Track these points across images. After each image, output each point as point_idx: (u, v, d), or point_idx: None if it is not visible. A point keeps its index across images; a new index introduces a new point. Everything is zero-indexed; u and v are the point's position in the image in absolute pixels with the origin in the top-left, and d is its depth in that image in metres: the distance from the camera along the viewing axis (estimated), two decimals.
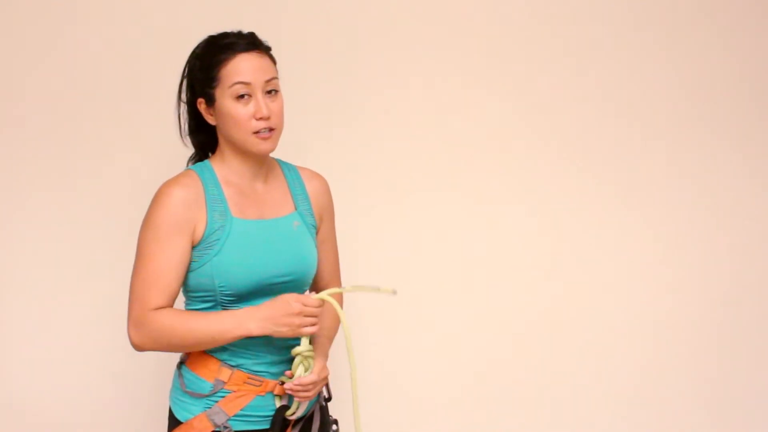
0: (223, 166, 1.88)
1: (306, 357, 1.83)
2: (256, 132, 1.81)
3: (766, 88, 2.86)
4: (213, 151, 1.94)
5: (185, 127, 1.96)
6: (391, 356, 2.67)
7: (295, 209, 1.94)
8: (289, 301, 1.76)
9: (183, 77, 1.92)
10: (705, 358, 2.84)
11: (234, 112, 1.81)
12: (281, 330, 1.76)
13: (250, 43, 1.84)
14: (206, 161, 1.91)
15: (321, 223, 2.01)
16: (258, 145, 1.82)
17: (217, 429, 1.79)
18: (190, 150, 2.01)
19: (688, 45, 2.81)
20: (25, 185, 2.46)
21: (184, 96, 1.93)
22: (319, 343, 1.91)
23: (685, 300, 2.83)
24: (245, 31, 1.88)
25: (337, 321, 1.97)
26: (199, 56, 1.87)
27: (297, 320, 1.75)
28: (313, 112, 2.54)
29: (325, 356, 1.92)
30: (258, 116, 1.80)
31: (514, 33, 2.72)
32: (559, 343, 2.76)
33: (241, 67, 1.81)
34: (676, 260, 2.82)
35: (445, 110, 2.69)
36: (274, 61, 1.88)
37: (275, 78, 1.85)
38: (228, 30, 1.88)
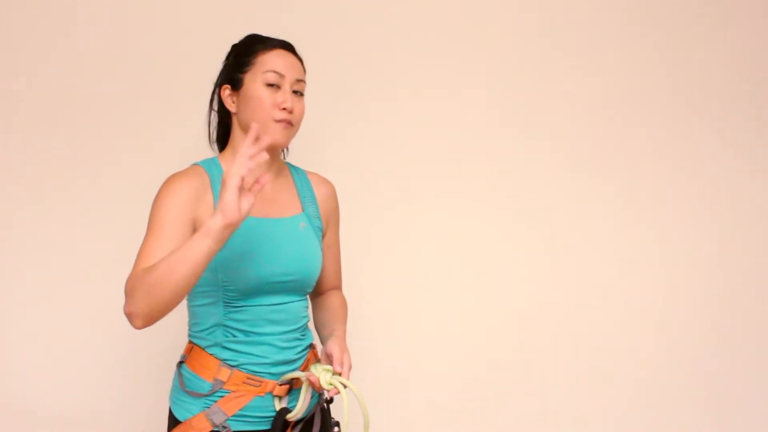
0: (230, 163, 1.86)
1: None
2: (278, 121, 1.83)
3: (765, 90, 2.85)
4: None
5: (214, 134, 1.99)
6: (393, 356, 2.66)
7: (303, 211, 1.94)
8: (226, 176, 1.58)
9: (216, 85, 1.95)
10: (704, 357, 2.83)
11: (261, 95, 1.83)
12: (231, 194, 1.57)
13: (289, 46, 1.90)
14: (214, 157, 1.91)
15: (327, 228, 2.02)
16: (277, 131, 1.83)
17: (216, 429, 1.78)
18: (201, 152, 2.02)
19: (686, 46, 2.81)
20: (26, 186, 2.45)
21: (215, 105, 1.97)
22: (331, 332, 1.90)
23: (683, 300, 2.82)
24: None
25: (344, 305, 2.03)
26: (237, 46, 1.93)
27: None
28: (318, 115, 2.54)
29: (340, 337, 1.89)
30: (282, 106, 1.83)
31: (519, 38, 2.73)
32: (560, 344, 2.75)
33: (277, 60, 1.86)
34: (675, 260, 2.81)
35: (448, 116, 2.69)
36: (304, 71, 1.92)
37: (304, 81, 1.89)
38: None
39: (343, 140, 2.61)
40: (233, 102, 1.89)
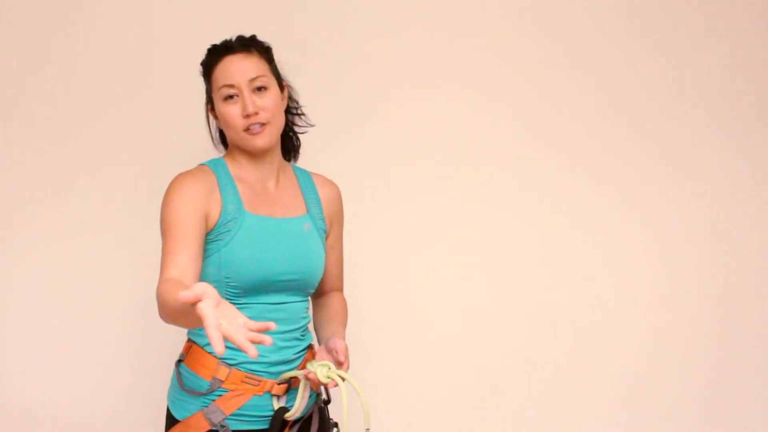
0: (235, 164, 1.91)
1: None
2: (246, 129, 1.84)
3: (765, 90, 2.84)
4: None
5: (216, 135, 2.01)
6: (393, 356, 2.66)
7: (307, 212, 1.95)
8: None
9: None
10: (704, 357, 2.82)
11: (224, 113, 1.85)
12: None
13: (239, 45, 1.87)
14: (220, 158, 1.93)
15: (331, 229, 2.02)
16: (250, 141, 1.85)
17: (214, 428, 1.78)
18: (201, 152, 2.02)
19: (686, 46, 2.80)
20: (26, 186, 2.45)
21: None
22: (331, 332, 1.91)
23: (683, 300, 2.81)
24: (248, 35, 1.91)
25: (344, 307, 2.02)
26: (202, 64, 1.93)
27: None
28: (318, 115, 2.54)
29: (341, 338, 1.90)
30: (245, 114, 1.83)
31: (519, 38, 2.72)
32: (560, 344, 2.74)
33: (226, 70, 1.85)
34: (675, 260, 2.80)
35: (447, 116, 2.69)
36: (268, 59, 1.90)
37: (262, 76, 1.86)
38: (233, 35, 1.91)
39: (342, 140, 2.61)
40: (217, 118, 1.92)
